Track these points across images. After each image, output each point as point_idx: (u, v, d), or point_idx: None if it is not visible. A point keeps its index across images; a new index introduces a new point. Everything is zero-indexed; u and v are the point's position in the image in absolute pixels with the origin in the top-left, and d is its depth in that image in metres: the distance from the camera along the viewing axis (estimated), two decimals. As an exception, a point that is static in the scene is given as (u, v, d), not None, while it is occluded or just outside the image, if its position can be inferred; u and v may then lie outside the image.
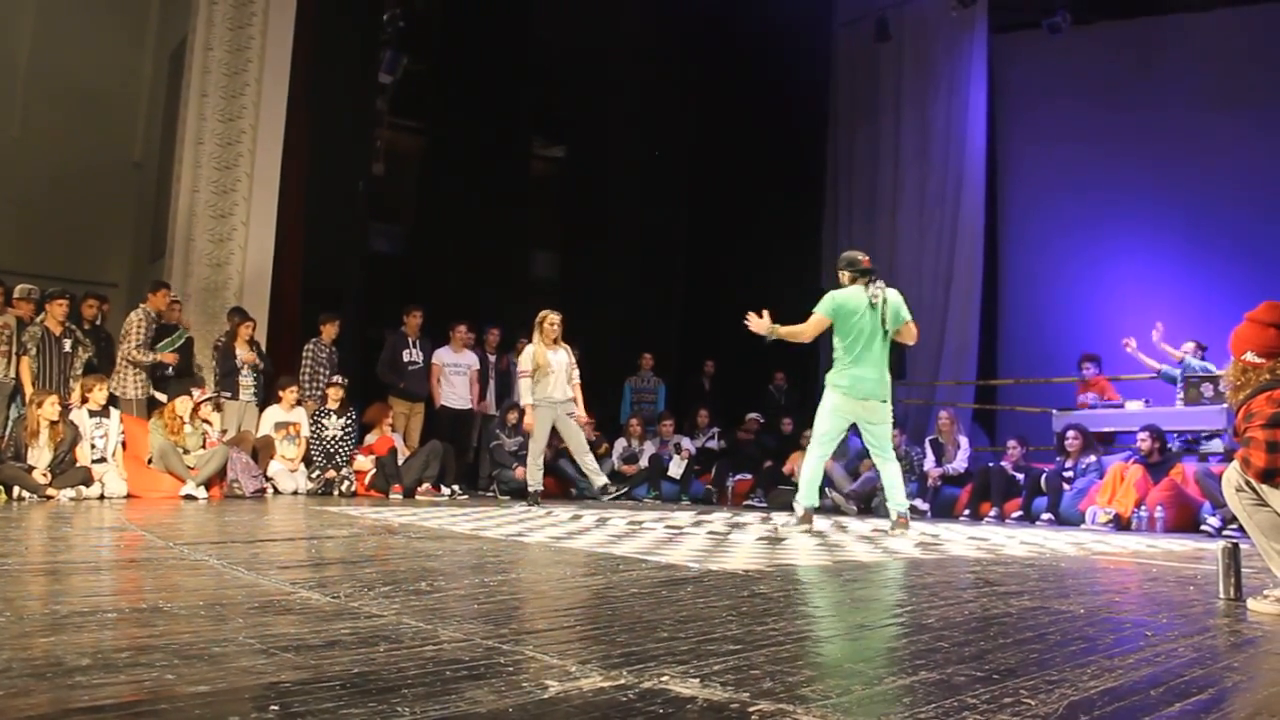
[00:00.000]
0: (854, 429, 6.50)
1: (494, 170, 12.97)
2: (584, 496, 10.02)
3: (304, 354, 9.79)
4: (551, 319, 8.20)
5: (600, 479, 8.28)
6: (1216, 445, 8.87)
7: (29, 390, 7.96)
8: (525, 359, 8.20)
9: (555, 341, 8.20)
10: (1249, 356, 3.17)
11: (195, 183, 10.56)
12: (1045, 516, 8.61)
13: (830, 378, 6.18)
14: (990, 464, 9.59)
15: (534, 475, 8.24)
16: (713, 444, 11.50)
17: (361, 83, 12.16)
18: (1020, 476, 9.11)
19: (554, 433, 8.28)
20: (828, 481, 9.90)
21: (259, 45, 10.75)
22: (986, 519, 8.82)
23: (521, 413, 10.38)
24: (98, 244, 12.94)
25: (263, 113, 10.70)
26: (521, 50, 13.41)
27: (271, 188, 10.69)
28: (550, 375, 8.06)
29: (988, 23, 13.25)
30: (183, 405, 8.09)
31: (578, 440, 8.29)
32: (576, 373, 8.40)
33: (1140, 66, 12.43)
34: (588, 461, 8.27)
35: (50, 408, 7.29)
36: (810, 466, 6.14)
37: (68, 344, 8.42)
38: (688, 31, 14.34)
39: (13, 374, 8.16)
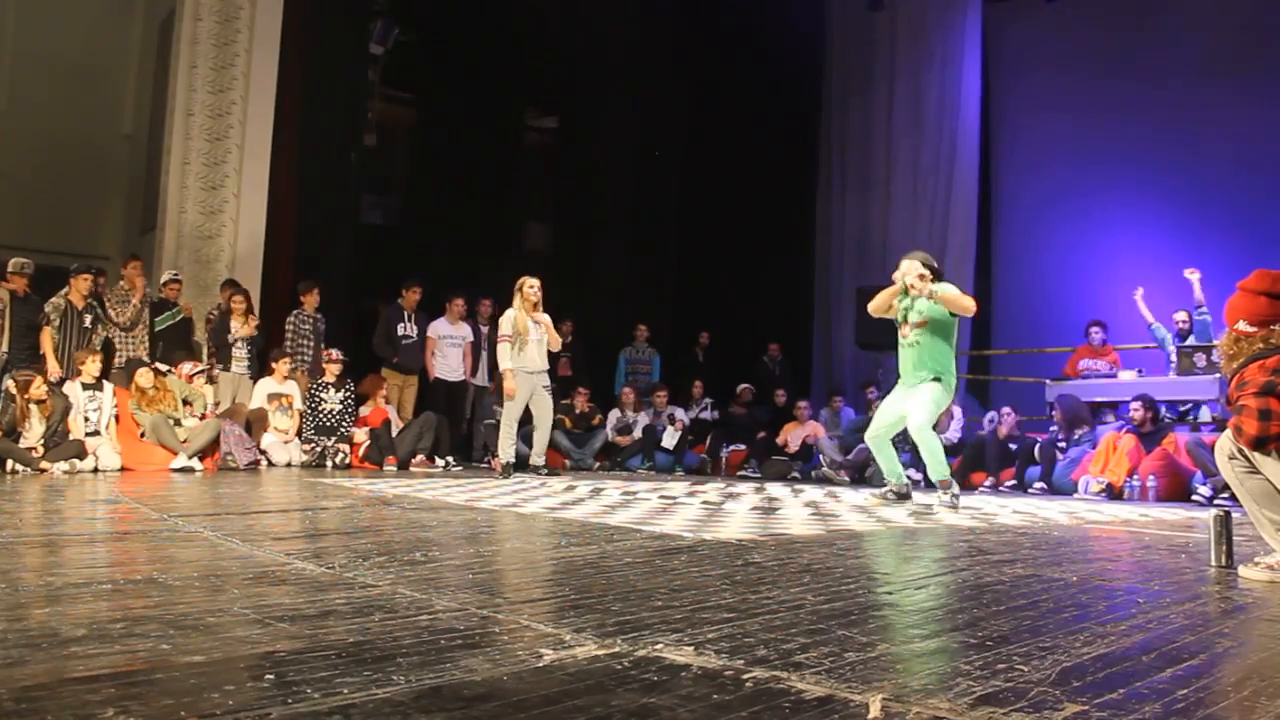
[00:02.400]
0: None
1: (486, 141, 12.88)
2: (578, 468, 10.04)
3: (286, 326, 9.76)
4: (531, 283, 8.05)
5: (540, 460, 8.27)
6: (1207, 414, 8.90)
7: (51, 362, 7.99)
8: (505, 323, 8.03)
9: (535, 307, 8.07)
10: (1241, 326, 3.17)
11: (186, 154, 10.48)
12: (1038, 486, 8.64)
13: (952, 373, 5.96)
14: (987, 425, 9.54)
15: (505, 446, 8.01)
16: (707, 415, 11.50)
17: (353, 53, 12.04)
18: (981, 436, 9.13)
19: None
20: (820, 453, 9.98)
21: (248, 15, 10.63)
22: (980, 489, 8.84)
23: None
24: (89, 216, 12.85)
25: (253, 84, 10.60)
26: (513, 20, 13.30)
27: (263, 159, 10.61)
28: (529, 344, 7.99)
29: (982, -10, 13.16)
30: (143, 377, 8.08)
31: (545, 416, 8.18)
32: (558, 343, 8.32)
33: (1135, 35, 12.34)
34: (541, 437, 8.23)
35: (36, 390, 7.27)
36: (938, 448, 5.96)
37: (89, 319, 8.48)
38: (680, 1, 14.23)
39: (4, 348, 8.15)
